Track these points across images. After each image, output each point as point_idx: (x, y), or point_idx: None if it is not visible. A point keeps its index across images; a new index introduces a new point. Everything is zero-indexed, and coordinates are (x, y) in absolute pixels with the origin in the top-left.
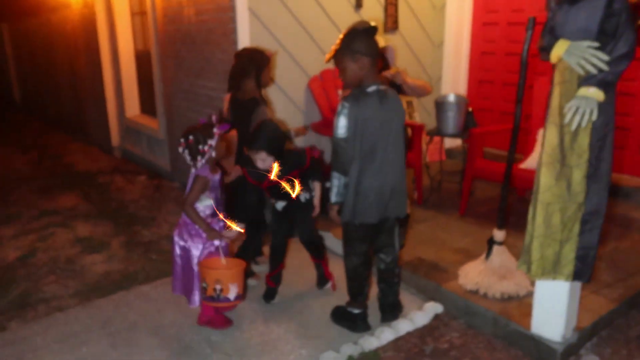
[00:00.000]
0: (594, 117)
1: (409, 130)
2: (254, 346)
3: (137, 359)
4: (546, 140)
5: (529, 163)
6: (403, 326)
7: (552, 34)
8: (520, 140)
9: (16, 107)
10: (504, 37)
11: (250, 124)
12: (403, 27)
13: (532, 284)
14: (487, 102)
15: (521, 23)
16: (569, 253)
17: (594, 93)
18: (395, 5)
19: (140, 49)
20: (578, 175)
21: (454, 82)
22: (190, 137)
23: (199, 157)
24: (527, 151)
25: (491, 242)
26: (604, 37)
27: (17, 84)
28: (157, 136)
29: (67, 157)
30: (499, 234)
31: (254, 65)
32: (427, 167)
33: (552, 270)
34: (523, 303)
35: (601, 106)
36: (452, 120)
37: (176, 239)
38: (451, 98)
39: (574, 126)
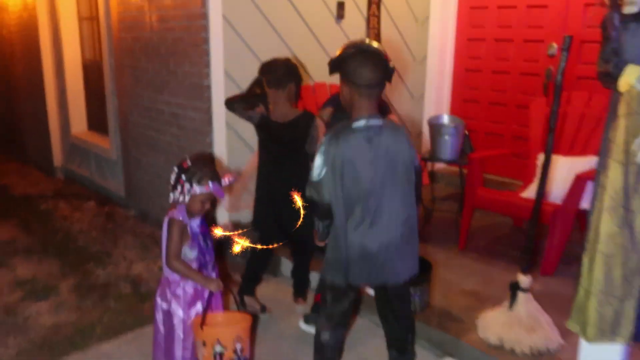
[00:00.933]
0: None
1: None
2: None
3: None
4: (609, 181)
5: (531, 192)
6: None
7: (616, 58)
8: (517, 165)
9: None
10: (491, 54)
11: None
12: (385, 41)
13: (563, 336)
14: (472, 122)
15: (508, 40)
16: (630, 311)
17: None
18: (378, 18)
19: (89, 59)
20: None
21: (437, 100)
22: (189, 163)
23: (178, 188)
24: (526, 178)
25: (515, 289)
26: None
27: None
28: (109, 156)
29: (2, 179)
30: (525, 280)
31: (291, 75)
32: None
33: (610, 332)
34: None
35: None
36: (449, 144)
37: (159, 301)
38: (447, 120)
39: None
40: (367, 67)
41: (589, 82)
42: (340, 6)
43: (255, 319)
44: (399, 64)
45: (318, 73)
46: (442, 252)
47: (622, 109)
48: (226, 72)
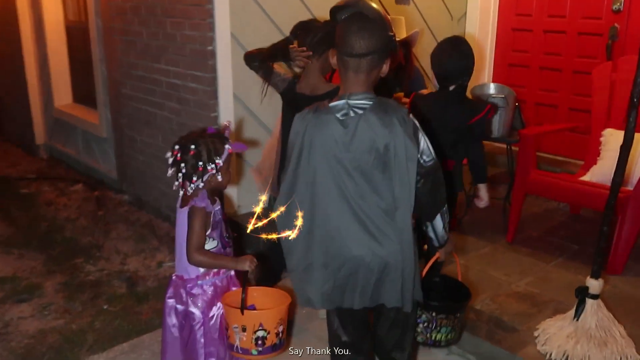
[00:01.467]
0: None
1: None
2: None
3: None
4: None
5: (595, 175)
6: None
7: None
8: (575, 142)
9: None
10: (543, 10)
11: None
12: None
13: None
14: (520, 91)
15: None
16: None
17: None
18: None
19: (73, 20)
20: None
21: (478, 65)
22: (192, 147)
23: (194, 178)
24: (588, 157)
25: (583, 295)
26: None
27: None
28: (98, 133)
29: None
30: (595, 285)
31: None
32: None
33: None
34: None
35: None
36: (497, 119)
37: (170, 303)
38: (494, 89)
39: None
40: (352, 32)
41: None
42: None
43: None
44: (433, 22)
45: None
46: (487, 246)
47: None
48: (233, 35)
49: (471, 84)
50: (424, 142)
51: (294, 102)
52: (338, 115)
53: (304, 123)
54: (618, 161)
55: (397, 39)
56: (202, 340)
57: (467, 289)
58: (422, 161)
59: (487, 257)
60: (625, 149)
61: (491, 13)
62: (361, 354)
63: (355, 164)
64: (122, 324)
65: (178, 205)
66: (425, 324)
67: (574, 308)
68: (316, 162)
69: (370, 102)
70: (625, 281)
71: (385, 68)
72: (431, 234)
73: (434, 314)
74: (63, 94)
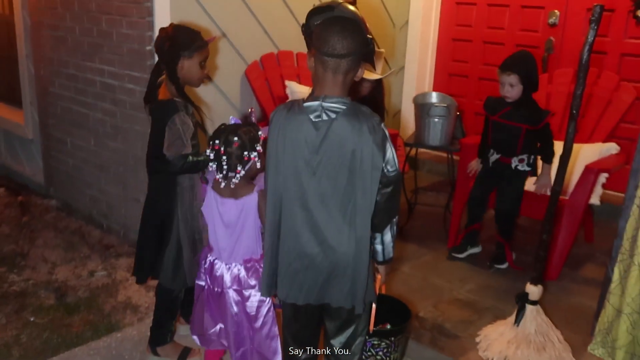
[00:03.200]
0: None
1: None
2: None
3: None
4: None
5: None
6: None
7: None
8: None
9: None
10: (482, 21)
11: (155, 137)
12: (361, 4)
13: (575, 354)
14: (459, 100)
15: (503, 5)
16: None
17: None
18: None
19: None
20: None
21: (419, 74)
22: (235, 139)
23: (239, 168)
24: None
25: (523, 301)
26: None
27: None
28: (23, 134)
29: None
30: (534, 291)
31: (172, 54)
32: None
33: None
34: None
35: None
36: (439, 127)
37: (231, 293)
38: (436, 98)
39: None
40: (334, 32)
41: (595, 58)
42: None
43: None
44: (375, 30)
45: (284, 41)
46: (429, 254)
47: None
48: None
49: (414, 93)
50: (390, 152)
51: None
52: (311, 116)
53: (278, 120)
54: (557, 170)
55: (378, 78)
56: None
57: (403, 305)
58: (386, 170)
59: (428, 265)
60: (564, 159)
61: (432, 23)
62: (307, 350)
63: (321, 167)
64: (52, 337)
65: (217, 198)
66: (386, 349)
67: (514, 314)
68: (285, 163)
69: (344, 107)
70: (560, 287)
71: (360, 72)
72: (378, 247)
73: (392, 339)
74: None
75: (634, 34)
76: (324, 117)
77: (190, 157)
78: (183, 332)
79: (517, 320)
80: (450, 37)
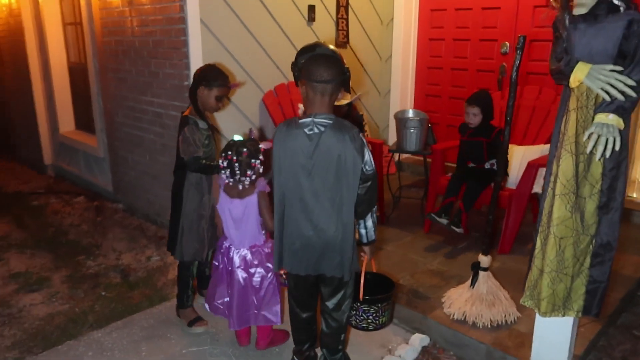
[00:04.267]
0: (617, 145)
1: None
2: None
3: None
4: (561, 170)
5: None
6: None
7: (561, 56)
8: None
9: None
10: (450, 53)
11: (177, 145)
12: (353, 42)
13: (519, 309)
14: (434, 115)
15: (465, 39)
16: (580, 287)
17: (614, 120)
18: (346, 20)
19: (74, 62)
20: (591, 207)
21: (402, 95)
22: (244, 150)
23: (249, 172)
24: None
25: (477, 268)
26: (621, 61)
27: None
28: (96, 154)
29: None
30: (485, 260)
31: (196, 82)
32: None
33: (562, 307)
34: (513, 332)
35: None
36: (414, 136)
37: (238, 271)
38: (411, 114)
39: (598, 156)
40: (320, 65)
41: (538, 78)
42: (311, 9)
43: None
44: (366, 63)
45: (291, 73)
46: (409, 236)
47: (572, 103)
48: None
49: (395, 111)
50: (368, 155)
51: None
52: (306, 130)
53: (279, 135)
54: (497, 165)
55: (346, 102)
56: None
57: (390, 280)
58: (365, 170)
59: (408, 244)
60: (503, 155)
61: (411, 55)
62: (307, 310)
63: (315, 170)
64: (117, 307)
65: (227, 198)
66: (375, 314)
67: (470, 279)
68: (286, 166)
69: (330, 121)
70: (511, 259)
71: (341, 95)
72: (362, 231)
73: (379, 305)
74: (67, 122)
75: None
76: (315, 130)
77: (203, 160)
78: (201, 302)
79: (472, 284)
80: (426, 66)
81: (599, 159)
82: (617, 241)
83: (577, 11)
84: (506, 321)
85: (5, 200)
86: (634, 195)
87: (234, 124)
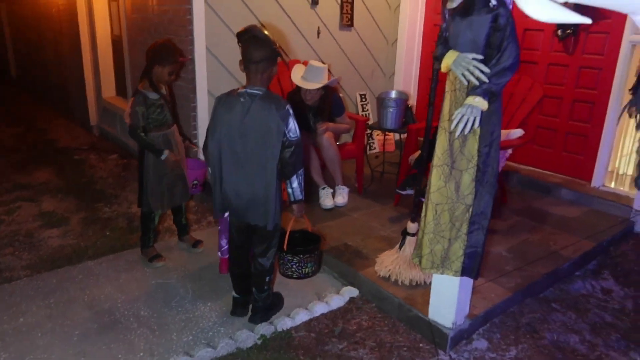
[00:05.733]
0: (477, 124)
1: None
2: (177, 322)
3: (68, 330)
4: (437, 143)
5: None
6: (318, 308)
7: (445, 44)
8: None
9: (12, 81)
10: None
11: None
12: (358, 25)
13: None
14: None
15: None
16: (458, 250)
17: (479, 102)
18: (351, 4)
19: (116, 35)
20: (467, 179)
21: (406, 78)
22: None
23: None
24: None
25: (404, 234)
26: (490, 50)
27: (13, 60)
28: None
29: (50, 133)
30: (412, 227)
31: (151, 60)
32: (369, 158)
33: (440, 265)
34: (428, 291)
35: (486, 115)
36: (391, 115)
37: None
38: (392, 94)
39: (457, 133)
40: (250, 47)
41: (524, 66)
42: None
43: None
44: (372, 46)
45: (293, 53)
46: (378, 207)
47: (448, 85)
48: (208, 49)
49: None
50: (292, 123)
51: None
52: (241, 99)
53: (219, 102)
54: (422, 147)
55: (319, 85)
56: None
57: (318, 236)
58: (288, 136)
59: (374, 214)
60: (426, 134)
61: (416, 40)
62: (242, 249)
63: (245, 132)
64: (115, 245)
65: None
66: (297, 264)
67: (399, 243)
68: (224, 129)
69: (260, 92)
70: None
71: (275, 69)
72: (289, 190)
73: (301, 256)
74: (109, 88)
75: (557, 48)
76: (248, 99)
77: (140, 132)
78: (181, 247)
79: (400, 247)
80: (430, 51)
81: (458, 136)
82: (491, 212)
83: (449, 5)
84: (425, 282)
85: (55, 153)
86: (611, 185)
87: None
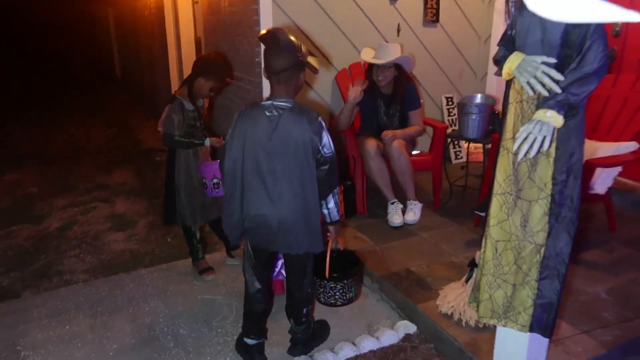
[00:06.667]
0: (546, 146)
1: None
2: (214, 344)
3: (107, 342)
4: (498, 167)
5: None
6: (367, 344)
7: (508, 45)
8: None
9: (116, 81)
10: None
11: None
12: (444, 20)
13: None
14: None
15: None
16: (525, 300)
17: (552, 117)
18: None
19: (199, 36)
20: (538, 212)
21: (499, 79)
22: None
23: None
24: None
25: (472, 265)
26: (568, 50)
27: (118, 61)
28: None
29: (139, 134)
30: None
31: (196, 71)
32: (455, 169)
33: (502, 316)
34: (494, 336)
35: (564, 133)
36: (472, 122)
37: None
38: (475, 99)
39: (521, 155)
40: (271, 56)
41: None
42: None
43: None
44: (462, 43)
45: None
46: (454, 226)
47: (512, 96)
48: None
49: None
50: (326, 138)
51: None
52: (266, 112)
53: (242, 114)
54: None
55: (395, 57)
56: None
57: (353, 254)
58: (323, 152)
59: (447, 235)
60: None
61: None
62: (263, 280)
63: (273, 150)
64: (173, 253)
65: None
66: (341, 291)
67: (466, 275)
68: (247, 146)
69: (290, 105)
70: None
71: (302, 80)
72: (325, 211)
73: (345, 282)
74: None
75: None
76: (275, 112)
77: (177, 138)
78: (229, 262)
79: (467, 280)
80: None
81: (521, 159)
82: (569, 257)
83: None
84: (491, 324)
85: (137, 154)
86: None
87: (304, 100)
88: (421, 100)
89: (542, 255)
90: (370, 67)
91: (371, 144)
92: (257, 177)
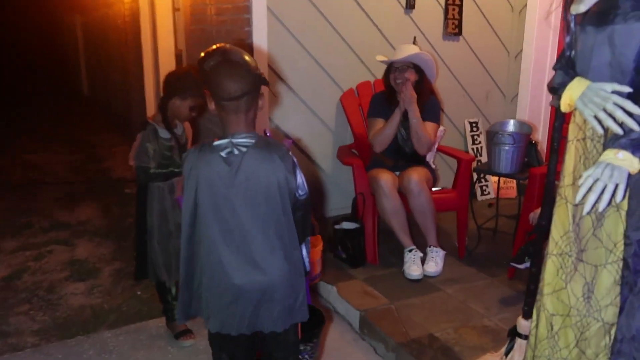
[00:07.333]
0: (619, 197)
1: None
2: None
3: None
4: (554, 220)
5: None
6: None
7: (568, 69)
8: None
9: (83, 99)
10: None
11: None
12: (468, 32)
13: None
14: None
15: None
16: None
17: (625, 160)
18: (460, 6)
19: (180, 49)
20: (606, 280)
21: (533, 102)
22: None
23: None
24: None
25: (513, 334)
26: None
27: (86, 78)
28: None
29: (107, 161)
30: (524, 325)
31: (169, 92)
32: (480, 207)
33: None
34: None
35: (638, 181)
36: (505, 155)
37: None
38: (508, 126)
39: (587, 209)
40: (225, 77)
41: None
42: None
43: None
44: (487, 59)
45: (379, 69)
46: (485, 279)
47: (572, 132)
48: (270, 67)
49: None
50: (300, 177)
51: None
52: (222, 153)
53: (190, 161)
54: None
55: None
56: None
57: (319, 311)
58: (297, 195)
59: (477, 291)
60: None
61: (549, 50)
62: None
63: (240, 199)
64: (143, 310)
65: None
66: (311, 351)
67: (505, 346)
68: (201, 198)
69: (253, 140)
70: None
71: (262, 104)
72: None
73: (314, 340)
74: None
75: None
76: (235, 152)
77: (153, 170)
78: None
79: (506, 352)
80: None
81: (587, 213)
82: None
83: (574, 9)
84: None
85: (106, 186)
86: None
87: (303, 125)
88: (441, 128)
89: (612, 337)
90: (387, 73)
91: (385, 178)
92: (223, 238)
